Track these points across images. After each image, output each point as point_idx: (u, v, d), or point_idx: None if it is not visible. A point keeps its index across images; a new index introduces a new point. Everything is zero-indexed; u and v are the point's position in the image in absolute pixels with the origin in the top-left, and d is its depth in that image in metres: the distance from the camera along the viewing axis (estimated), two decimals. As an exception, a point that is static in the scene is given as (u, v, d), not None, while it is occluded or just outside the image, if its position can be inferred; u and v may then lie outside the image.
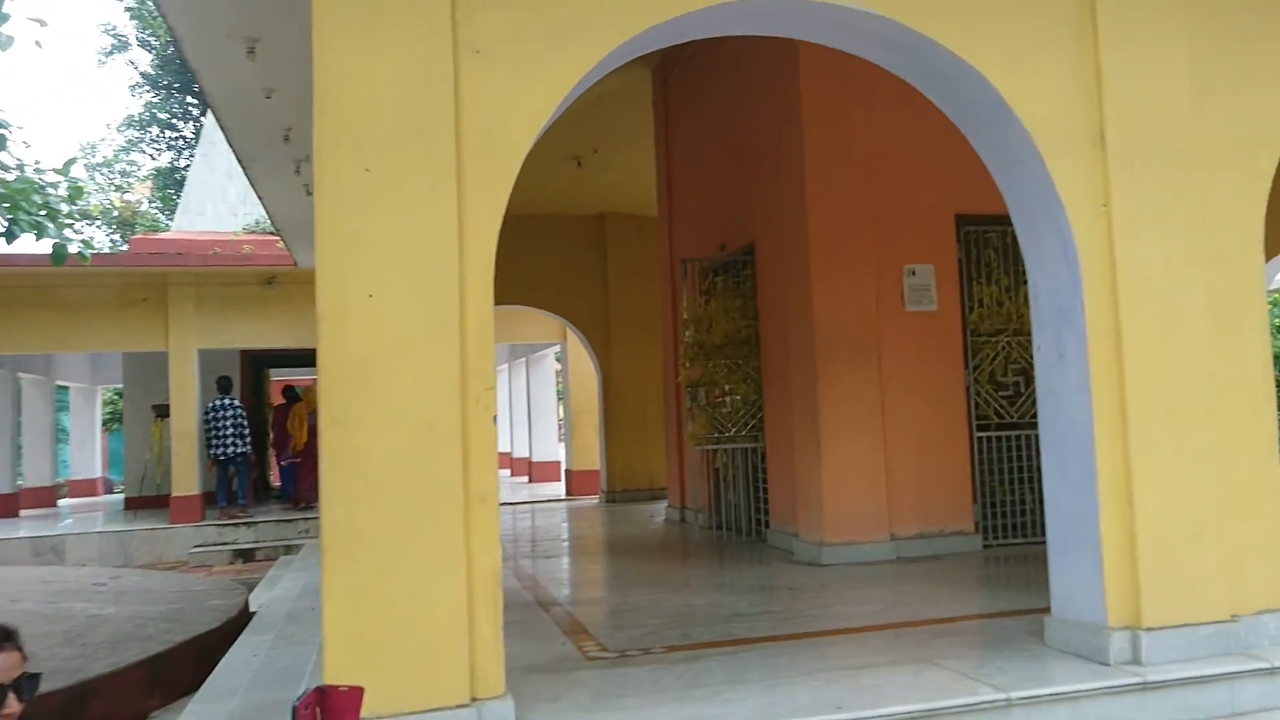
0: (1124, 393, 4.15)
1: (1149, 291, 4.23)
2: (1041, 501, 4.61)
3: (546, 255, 13.74)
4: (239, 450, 14.04)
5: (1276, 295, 23.62)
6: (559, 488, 17.18)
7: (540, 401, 19.95)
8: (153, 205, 30.55)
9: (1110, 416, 4.16)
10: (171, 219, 24.57)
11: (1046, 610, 4.46)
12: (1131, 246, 4.22)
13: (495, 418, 3.55)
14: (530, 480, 19.68)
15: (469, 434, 3.46)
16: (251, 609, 7.49)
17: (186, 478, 14.22)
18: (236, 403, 14.25)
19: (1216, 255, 4.39)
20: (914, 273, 7.50)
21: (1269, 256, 11.41)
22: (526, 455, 20.67)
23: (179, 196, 23.85)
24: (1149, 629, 4.02)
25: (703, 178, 9.78)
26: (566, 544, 9.95)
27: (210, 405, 14.09)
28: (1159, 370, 4.20)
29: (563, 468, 17.69)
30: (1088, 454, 4.15)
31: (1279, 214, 9.86)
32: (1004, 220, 4.87)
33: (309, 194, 9.88)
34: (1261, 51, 4.54)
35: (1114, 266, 4.21)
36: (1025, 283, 4.83)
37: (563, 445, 18.56)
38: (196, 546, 13.64)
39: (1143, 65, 4.30)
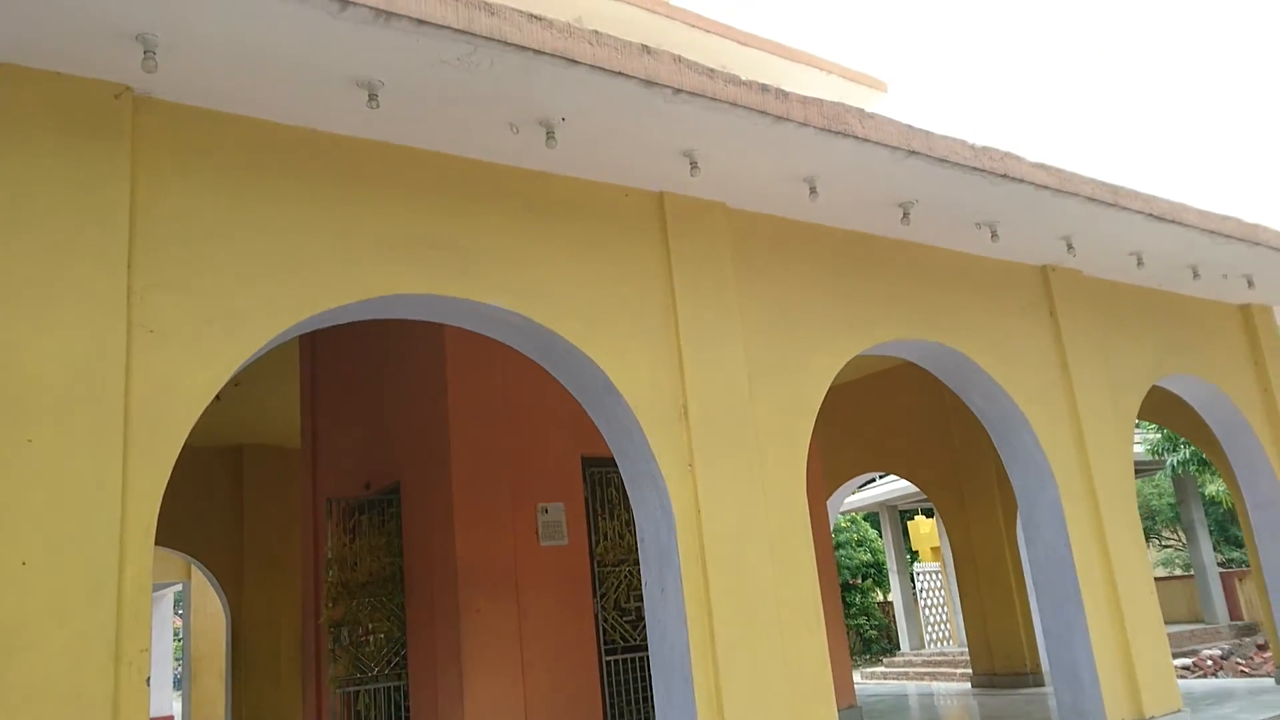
0: (713, 620, 5.07)
1: (726, 534, 5.28)
2: None
3: (173, 489, 12.95)
4: None
5: (851, 514, 27.66)
6: (172, 747, 15.43)
7: (154, 648, 18.04)
8: None
9: (703, 641, 5.04)
10: None
11: (663, 819, 5.08)
12: (712, 499, 5.28)
13: (148, 679, 3.64)
14: (135, 741, 17.39)
15: (120, 701, 3.53)
16: None
17: None
18: None
19: (774, 501, 5.59)
20: (547, 510, 8.30)
21: (837, 484, 13.75)
22: (132, 711, 18.33)
23: None
24: (741, 824, 4.76)
25: (349, 416, 10.13)
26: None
27: None
28: (738, 599, 5.19)
29: (177, 723, 15.97)
30: (687, 676, 4.97)
31: (844, 447, 11.97)
32: (622, 464, 5.78)
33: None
34: (789, 349, 6.00)
35: (699, 514, 5.23)
36: (636, 526, 5.73)
37: (179, 697, 16.80)
38: None
39: (712, 358, 5.55)
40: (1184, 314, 9.08)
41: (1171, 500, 25.46)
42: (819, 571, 9.05)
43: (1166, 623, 20.32)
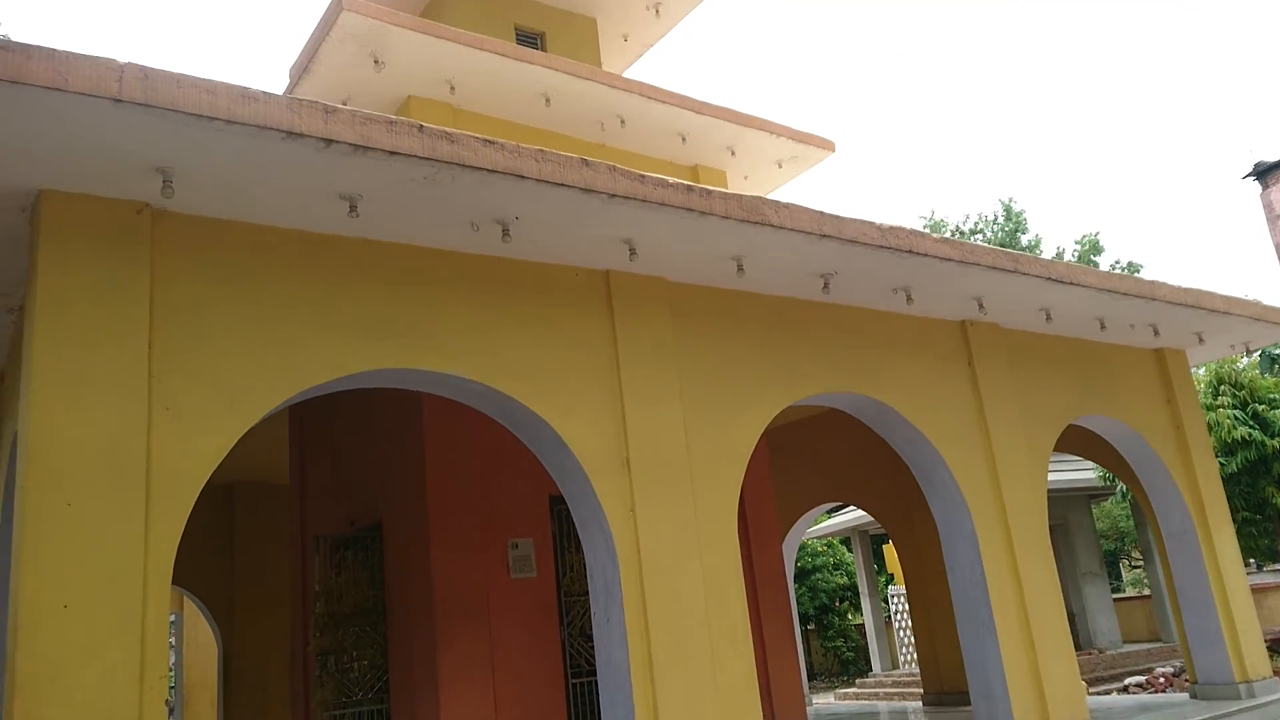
0: (650, 645, 5.85)
1: (664, 570, 6.06)
2: (604, 733, 6.08)
3: (169, 525, 13.68)
4: None
5: (828, 539, 28.35)
6: (165, 773, 15.97)
7: (145, 677, 18.59)
8: None
9: (642, 664, 5.82)
10: None
11: (608, 820, 5.84)
12: (650, 538, 6.07)
13: (166, 700, 4.39)
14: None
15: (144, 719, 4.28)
16: None
17: None
18: None
19: (707, 540, 6.38)
20: (517, 545, 9.06)
21: (798, 515, 14.48)
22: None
23: None
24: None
25: (335, 457, 10.88)
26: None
27: None
28: (673, 627, 5.97)
29: (170, 750, 16.53)
30: (628, 694, 5.74)
31: (804, 479, 12.72)
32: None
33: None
34: (723, 403, 6.80)
35: (639, 553, 6.01)
36: (588, 562, 6.50)
37: (171, 724, 17.37)
38: None
39: (653, 414, 6.36)
40: (1099, 359, 9.95)
41: (1140, 523, 26.25)
42: (774, 604, 9.92)
43: (1127, 642, 21.01)
